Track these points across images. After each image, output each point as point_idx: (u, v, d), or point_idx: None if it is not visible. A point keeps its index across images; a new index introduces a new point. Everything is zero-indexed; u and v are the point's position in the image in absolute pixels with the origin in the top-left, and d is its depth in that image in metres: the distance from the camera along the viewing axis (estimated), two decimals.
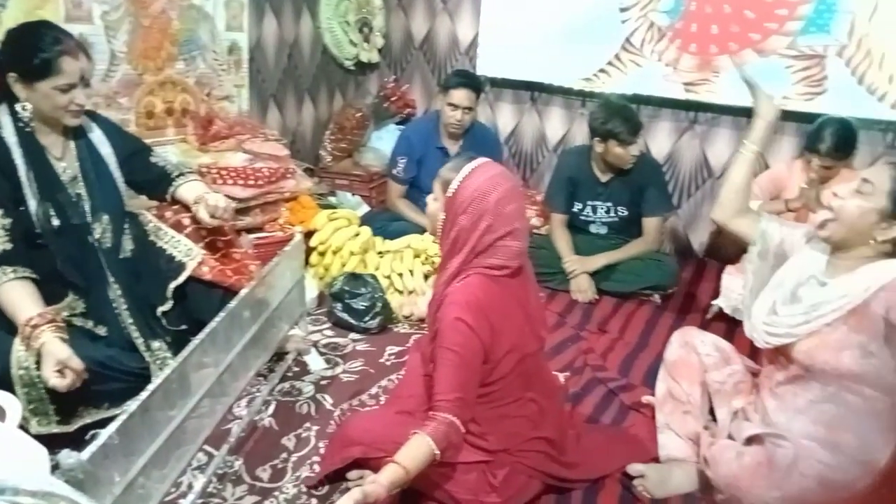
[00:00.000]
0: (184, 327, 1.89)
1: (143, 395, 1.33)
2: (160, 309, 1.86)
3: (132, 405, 1.29)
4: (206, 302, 1.86)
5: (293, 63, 3.47)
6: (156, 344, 1.86)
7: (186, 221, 1.94)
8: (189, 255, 1.88)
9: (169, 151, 2.63)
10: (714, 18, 3.12)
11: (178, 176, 1.97)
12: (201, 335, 1.56)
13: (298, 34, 3.48)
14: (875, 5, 2.86)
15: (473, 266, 1.55)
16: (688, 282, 3.13)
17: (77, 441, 1.61)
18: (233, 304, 1.73)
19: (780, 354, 1.67)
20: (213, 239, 1.96)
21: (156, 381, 1.38)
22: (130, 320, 1.84)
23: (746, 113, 3.20)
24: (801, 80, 3.03)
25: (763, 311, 1.68)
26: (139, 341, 1.84)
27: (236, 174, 2.66)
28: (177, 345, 1.83)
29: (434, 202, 1.63)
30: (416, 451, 1.43)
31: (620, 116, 2.80)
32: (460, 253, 1.56)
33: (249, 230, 2.70)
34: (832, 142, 2.49)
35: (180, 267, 1.86)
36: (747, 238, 1.80)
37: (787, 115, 3.07)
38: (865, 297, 1.48)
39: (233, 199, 2.33)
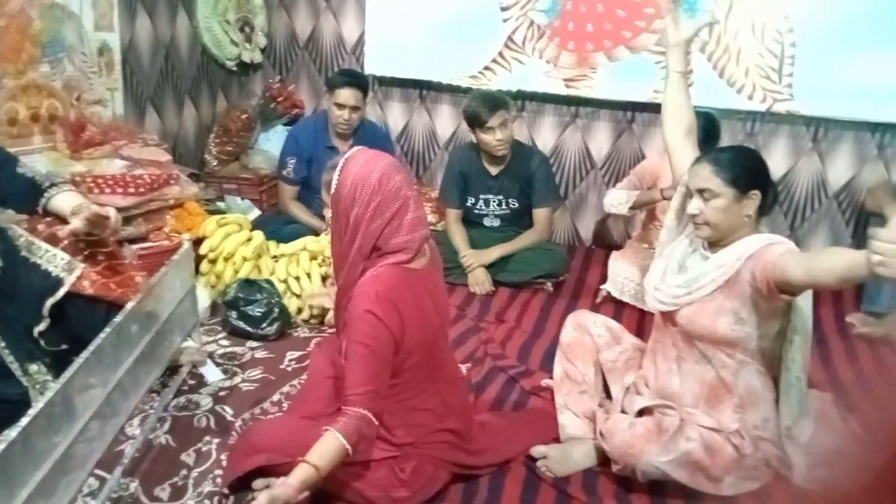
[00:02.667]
0: (64, 347, 1.77)
1: (24, 421, 1.23)
2: (36, 329, 1.73)
3: (11, 433, 1.20)
4: (89, 318, 1.74)
5: (170, 64, 3.32)
6: (33, 367, 1.73)
7: (62, 234, 1.82)
8: (67, 269, 1.76)
9: (37, 161, 2.44)
10: (589, 17, 3.27)
11: (49, 186, 1.84)
12: (85, 354, 1.47)
13: (175, 34, 3.33)
14: (730, 5, 3.10)
15: (382, 258, 1.55)
16: (577, 269, 3.26)
17: None
18: (119, 318, 1.64)
19: (668, 319, 1.80)
20: (94, 251, 1.84)
21: (37, 407, 1.29)
22: (3, 343, 1.70)
23: (622, 106, 3.42)
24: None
25: (655, 278, 1.81)
26: (14, 366, 1.71)
27: (114, 182, 2.52)
28: (58, 366, 1.70)
29: (328, 210, 1.61)
30: (325, 447, 1.42)
31: (479, 100, 2.91)
32: (356, 241, 1.54)
33: (132, 240, 2.56)
34: (700, 135, 2.68)
35: (57, 282, 1.74)
36: (678, 163, 1.89)
37: (659, 108, 3.26)
38: (738, 267, 1.63)
39: (112, 208, 2.20)
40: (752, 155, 1.79)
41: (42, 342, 1.75)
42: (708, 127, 2.71)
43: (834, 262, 1.41)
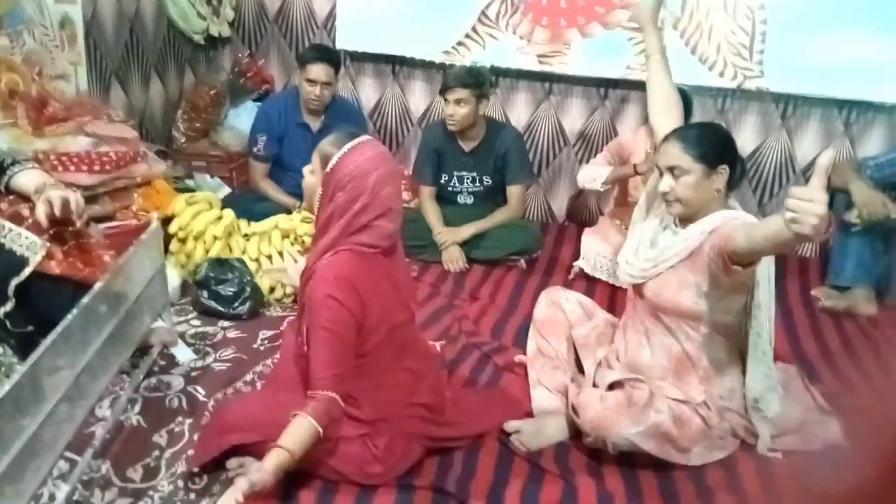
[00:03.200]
0: (31, 328, 1.73)
1: None
2: (1, 310, 1.69)
3: None
4: (56, 299, 1.71)
5: (136, 38, 3.23)
6: None
7: (26, 212, 1.76)
8: (32, 248, 1.72)
9: None
10: None
11: (11, 164, 1.79)
12: (53, 335, 1.45)
13: (139, 6, 3.24)
14: None
15: (345, 243, 1.57)
16: (550, 246, 3.28)
17: None
18: (87, 298, 1.61)
19: (637, 293, 1.84)
20: (60, 230, 1.80)
21: (2, 390, 1.27)
22: None
23: (596, 83, 3.42)
24: (643, 52, 3.23)
25: (628, 253, 1.84)
26: None
27: (79, 160, 2.45)
28: (24, 348, 1.67)
29: (311, 175, 1.63)
30: (298, 431, 1.44)
31: (455, 70, 2.95)
32: (333, 228, 1.57)
33: (99, 219, 2.50)
34: None
35: (22, 262, 1.69)
36: (656, 139, 1.91)
37: (631, 85, 3.29)
38: (701, 241, 1.66)
39: (77, 186, 2.15)
40: (719, 130, 1.83)
41: (7, 324, 1.71)
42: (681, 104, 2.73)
43: (768, 227, 1.46)
